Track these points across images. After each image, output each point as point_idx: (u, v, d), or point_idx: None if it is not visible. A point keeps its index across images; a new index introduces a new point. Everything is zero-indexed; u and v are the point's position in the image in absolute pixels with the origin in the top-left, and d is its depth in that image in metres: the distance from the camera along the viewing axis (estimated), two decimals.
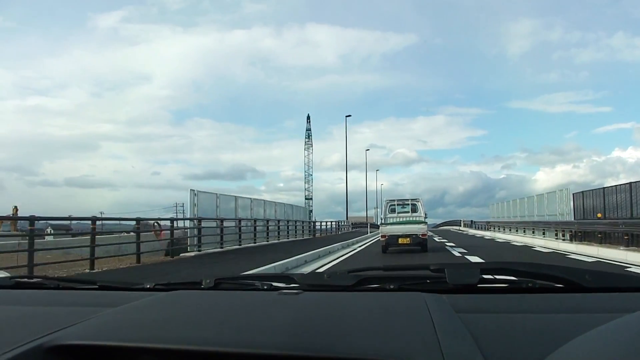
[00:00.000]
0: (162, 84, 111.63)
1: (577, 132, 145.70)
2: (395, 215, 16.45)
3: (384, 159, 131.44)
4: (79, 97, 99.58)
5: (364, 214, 77.62)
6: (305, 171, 70.25)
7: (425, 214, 16.61)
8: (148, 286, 1.42)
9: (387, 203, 16.97)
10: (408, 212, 16.55)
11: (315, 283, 1.33)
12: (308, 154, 67.91)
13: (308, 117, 67.50)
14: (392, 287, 1.27)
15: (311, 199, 69.24)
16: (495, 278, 1.32)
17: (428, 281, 1.28)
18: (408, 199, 17.03)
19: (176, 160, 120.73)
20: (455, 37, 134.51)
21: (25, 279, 1.57)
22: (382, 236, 15.70)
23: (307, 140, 67.89)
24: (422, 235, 15.16)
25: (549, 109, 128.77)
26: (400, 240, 15.02)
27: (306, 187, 70.09)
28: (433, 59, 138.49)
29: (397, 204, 16.78)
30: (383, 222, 16.45)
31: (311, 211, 61.67)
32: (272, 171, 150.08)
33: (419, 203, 16.67)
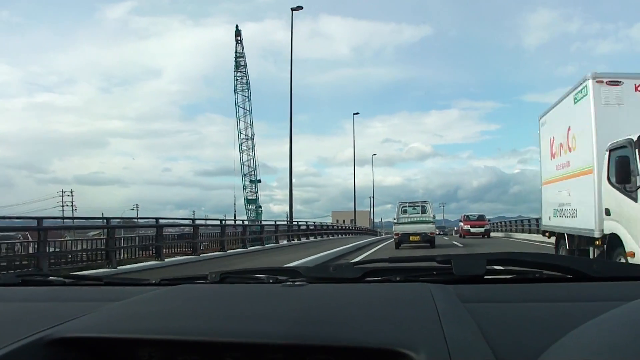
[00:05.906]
0: (172, 79, 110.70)
1: None
2: (407, 216, 18.77)
3: (398, 153, 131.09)
4: (88, 93, 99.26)
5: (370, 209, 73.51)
6: (237, 123, 37.77)
7: (434, 215, 19.28)
8: (154, 281, 1.43)
9: (400, 205, 19.39)
10: (418, 213, 18.92)
11: (320, 276, 1.33)
12: (242, 91, 37.70)
13: (237, 31, 37.89)
14: (398, 278, 1.27)
15: (259, 181, 38.64)
16: (502, 269, 1.32)
17: (434, 272, 1.27)
18: (418, 202, 19.64)
19: (187, 156, 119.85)
20: (471, 29, 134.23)
21: (32, 276, 1.59)
22: (395, 234, 18.43)
23: (239, 70, 37.99)
24: (431, 233, 17.90)
25: None
26: (412, 238, 17.73)
27: (244, 150, 38.23)
28: (448, 52, 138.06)
29: (409, 206, 19.28)
30: (396, 221, 18.92)
31: (257, 202, 37.70)
32: (284, 167, 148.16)
33: (428, 205, 19.35)
